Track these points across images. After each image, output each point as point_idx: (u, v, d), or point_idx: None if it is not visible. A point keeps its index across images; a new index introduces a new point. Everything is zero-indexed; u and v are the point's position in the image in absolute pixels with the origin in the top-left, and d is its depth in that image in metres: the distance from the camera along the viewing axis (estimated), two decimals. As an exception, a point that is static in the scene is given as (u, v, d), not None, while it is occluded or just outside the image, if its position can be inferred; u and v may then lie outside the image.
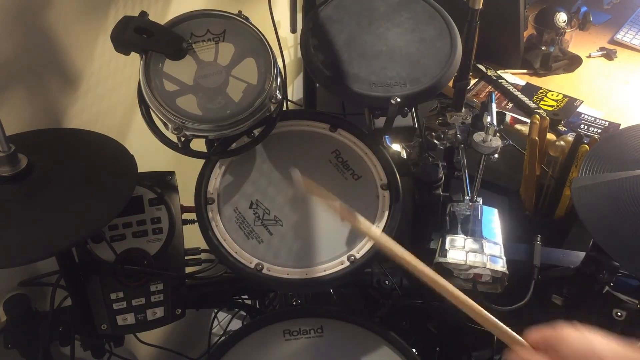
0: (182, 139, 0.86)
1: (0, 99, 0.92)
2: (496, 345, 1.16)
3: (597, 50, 1.61)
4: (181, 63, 0.86)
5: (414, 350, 0.95)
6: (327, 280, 0.86)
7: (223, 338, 0.99)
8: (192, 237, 1.00)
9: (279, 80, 0.89)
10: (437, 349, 1.24)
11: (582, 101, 1.46)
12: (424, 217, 1.01)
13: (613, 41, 1.65)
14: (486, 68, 1.55)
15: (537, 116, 1.27)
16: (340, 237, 0.89)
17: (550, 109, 1.43)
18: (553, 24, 1.53)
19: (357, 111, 1.05)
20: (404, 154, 1.05)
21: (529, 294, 0.96)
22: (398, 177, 0.94)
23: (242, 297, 1.22)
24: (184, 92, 0.85)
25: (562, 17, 1.53)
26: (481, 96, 1.48)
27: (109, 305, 0.94)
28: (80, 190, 0.83)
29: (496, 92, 1.50)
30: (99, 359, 1.04)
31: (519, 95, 1.47)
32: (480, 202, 0.92)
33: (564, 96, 1.48)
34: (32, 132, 0.92)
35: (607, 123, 1.39)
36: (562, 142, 1.25)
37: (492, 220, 0.90)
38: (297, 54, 1.01)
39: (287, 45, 1.08)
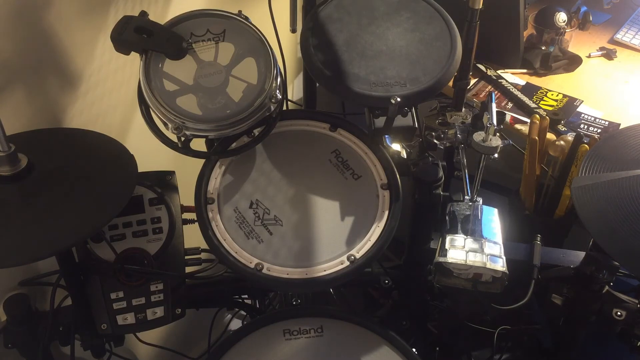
0: (182, 138, 0.86)
1: (0, 99, 0.92)
2: (496, 345, 1.16)
3: (597, 50, 1.61)
4: (181, 63, 0.86)
5: (414, 350, 0.95)
6: (327, 280, 0.86)
7: (223, 338, 0.99)
8: (192, 236, 1.00)
9: (279, 80, 0.89)
10: (437, 349, 1.24)
11: (582, 101, 1.46)
12: (424, 217, 1.01)
13: (613, 41, 1.65)
14: (486, 68, 1.55)
15: (537, 116, 1.27)
16: (340, 237, 0.89)
17: (550, 108, 1.43)
18: (553, 24, 1.53)
19: (357, 111, 1.05)
20: (404, 154, 1.05)
21: (529, 293, 0.96)
22: (398, 176, 0.94)
23: (242, 297, 1.22)
24: (184, 92, 0.85)
25: (562, 17, 1.53)
26: (481, 96, 1.48)
27: (109, 305, 0.94)
28: (80, 190, 0.83)
29: (496, 92, 1.50)
30: (99, 358, 1.04)
31: (518, 95, 1.47)
32: (480, 202, 0.91)
33: (564, 96, 1.48)
34: (32, 132, 0.92)
35: (607, 123, 1.39)
36: (562, 142, 1.25)
37: (492, 220, 0.90)
38: (297, 54, 1.01)
39: (287, 45, 1.07)
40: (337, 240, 0.89)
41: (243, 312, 1.34)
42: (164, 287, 0.96)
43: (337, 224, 0.90)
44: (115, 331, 0.94)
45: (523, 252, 1.04)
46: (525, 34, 1.56)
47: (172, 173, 1.04)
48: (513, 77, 1.55)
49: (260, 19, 0.95)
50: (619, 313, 0.96)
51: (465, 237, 0.87)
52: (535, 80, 1.54)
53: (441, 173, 0.96)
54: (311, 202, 0.92)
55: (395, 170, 0.95)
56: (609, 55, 1.60)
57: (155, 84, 0.85)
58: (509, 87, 1.49)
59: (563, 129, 1.36)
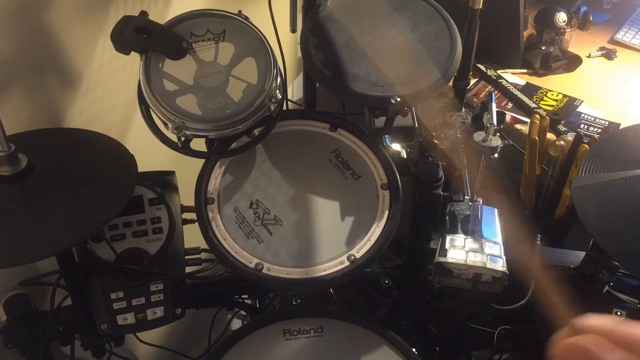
0: (182, 138, 0.86)
1: (0, 98, 0.92)
2: (496, 345, 1.16)
3: (597, 50, 1.61)
4: (181, 63, 0.86)
5: (414, 350, 0.95)
6: (327, 280, 0.86)
7: (223, 338, 0.99)
8: (192, 236, 1.00)
9: (279, 79, 0.89)
10: (437, 349, 1.24)
11: (582, 101, 1.46)
12: (424, 217, 1.01)
13: (613, 41, 1.65)
14: (486, 68, 1.55)
15: (537, 116, 1.27)
16: (340, 237, 0.89)
17: (550, 108, 1.43)
18: (553, 24, 1.53)
19: (357, 111, 1.05)
20: (404, 154, 1.04)
21: (529, 293, 0.96)
22: (398, 176, 0.94)
23: (242, 296, 1.22)
24: (184, 92, 0.85)
25: (562, 17, 1.53)
26: (481, 96, 1.48)
27: (109, 305, 0.94)
28: (80, 190, 0.83)
29: (496, 92, 1.50)
30: (99, 358, 1.04)
31: (518, 95, 1.47)
32: (480, 202, 0.92)
33: (564, 96, 1.48)
34: (32, 132, 0.92)
35: (607, 123, 1.39)
36: (562, 142, 1.25)
37: (492, 220, 0.90)
38: (297, 54, 1.01)
39: (287, 45, 1.07)
40: (337, 240, 0.89)
41: (243, 312, 1.34)
42: (164, 287, 0.96)
43: (337, 224, 0.90)
44: (115, 331, 0.94)
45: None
46: (525, 34, 1.56)
47: (172, 173, 1.04)
48: (513, 77, 1.55)
49: (260, 19, 0.95)
50: (619, 313, 0.96)
51: (465, 237, 0.87)
52: (535, 80, 1.54)
53: (441, 173, 0.96)
54: (311, 202, 0.92)
55: (395, 170, 0.95)
56: (609, 55, 1.60)
57: (155, 84, 0.85)
58: (509, 87, 1.49)
59: (563, 129, 1.36)
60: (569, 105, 1.45)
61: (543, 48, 1.55)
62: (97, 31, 1.03)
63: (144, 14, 0.87)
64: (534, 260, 0.86)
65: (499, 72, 1.55)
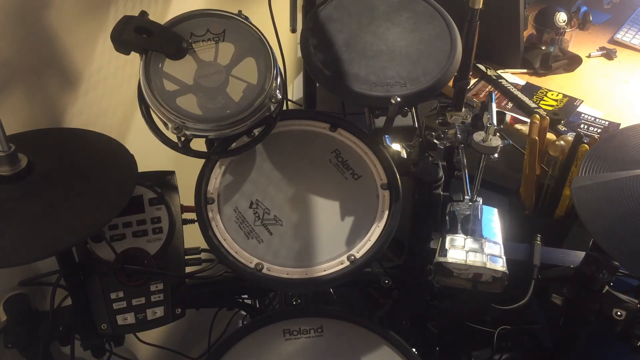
0: (182, 138, 0.86)
1: (0, 98, 0.92)
2: (496, 345, 1.16)
3: (597, 50, 1.61)
4: (181, 63, 0.86)
5: (414, 350, 0.95)
6: (327, 280, 0.86)
7: (223, 338, 0.99)
8: (192, 236, 1.00)
9: (279, 79, 0.89)
10: (437, 349, 1.24)
11: (582, 101, 1.46)
12: (424, 217, 1.01)
13: (613, 41, 1.65)
14: (486, 68, 1.55)
15: (537, 116, 1.27)
16: (340, 237, 0.89)
17: (550, 108, 1.43)
18: (553, 24, 1.53)
19: (357, 111, 1.05)
20: (404, 154, 1.04)
21: (529, 293, 0.96)
22: (398, 176, 0.94)
23: (242, 296, 1.22)
24: (184, 92, 0.85)
25: (562, 17, 1.53)
26: (481, 96, 1.48)
27: (109, 305, 0.94)
28: (80, 190, 0.83)
29: (496, 92, 1.50)
30: (99, 358, 1.04)
31: (518, 95, 1.47)
32: (480, 202, 0.92)
33: (564, 96, 1.48)
34: (32, 132, 0.92)
35: (607, 123, 1.39)
36: (562, 142, 1.25)
37: (492, 219, 0.90)
38: (297, 54, 1.01)
39: (287, 45, 1.07)
40: (337, 240, 0.89)
41: (243, 312, 1.34)
42: (164, 287, 0.96)
43: (337, 224, 0.90)
44: (115, 331, 0.94)
45: (523, 252, 1.04)
46: (525, 34, 1.56)
47: (172, 173, 1.04)
48: (513, 77, 1.55)
49: (260, 19, 0.95)
50: (619, 313, 0.96)
51: (465, 237, 0.87)
52: (535, 80, 1.54)
53: (441, 173, 0.96)
54: (311, 202, 0.92)
55: (395, 170, 0.95)
56: (609, 55, 1.60)
57: (155, 84, 0.85)
58: (509, 87, 1.49)
59: (563, 129, 1.36)
60: (569, 105, 1.45)
61: (543, 48, 1.55)
62: (97, 31, 1.03)
63: (144, 14, 0.87)
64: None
65: (499, 72, 1.55)
